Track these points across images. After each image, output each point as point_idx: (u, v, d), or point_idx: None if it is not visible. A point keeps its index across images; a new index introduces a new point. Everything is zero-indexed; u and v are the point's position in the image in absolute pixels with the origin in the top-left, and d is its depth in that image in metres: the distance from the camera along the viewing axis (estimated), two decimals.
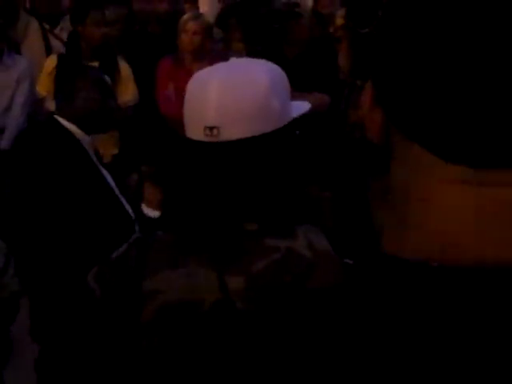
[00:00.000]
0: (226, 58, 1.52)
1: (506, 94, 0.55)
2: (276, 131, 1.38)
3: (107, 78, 3.14)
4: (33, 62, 4.61)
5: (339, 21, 5.01)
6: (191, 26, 4.53)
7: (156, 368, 1.37)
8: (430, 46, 0.57)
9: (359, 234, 3.96)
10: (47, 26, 5.03)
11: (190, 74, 1.57)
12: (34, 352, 2.91)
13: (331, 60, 4.23)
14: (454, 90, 0.56)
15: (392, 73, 0.60)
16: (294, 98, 1.45)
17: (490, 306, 0.56)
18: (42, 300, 2.89)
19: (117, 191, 3.01)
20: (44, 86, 4.40)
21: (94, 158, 2.98)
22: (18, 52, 4.83)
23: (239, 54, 3.98)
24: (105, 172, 3.00)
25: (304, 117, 1.46)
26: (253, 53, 4.19)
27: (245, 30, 4.59)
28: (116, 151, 4.22)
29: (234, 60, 1.48)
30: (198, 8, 6.20)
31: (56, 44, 4.93)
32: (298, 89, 4.06)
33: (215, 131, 1.36)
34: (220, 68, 1.43)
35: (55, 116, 2.96)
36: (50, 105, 3.82)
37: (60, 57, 4.47)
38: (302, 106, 1.50)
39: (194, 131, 1.39)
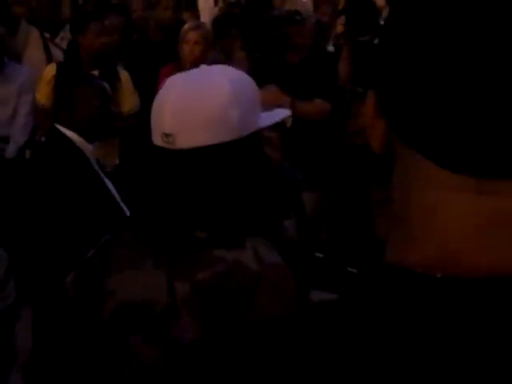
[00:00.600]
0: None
1: (507, 104, 0.55)
2: (235, 141, 1.37)
3: (107, 86, 3.14)
4: (34, 70, 4.62)
5: (339, 28, 5.02)
6: (192, 36, 4.52)
7: (108, 366, 1.40)
8: (433, 55, 0.57)
9: (361, 242, 3.96)
10: (48, 35, 5.03)
11: None
12: None
13: (331, 67, 4.23)
14: (456, 100, 0.56)
15: (394, 82, 0.60)
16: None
17: (494, 317, 0.56)
18: (44, 307, 2.89)
19: (118, 199, 3.02)
20: (43, 95, 4.39)
21: (96, 167, 2.98)
22: (19, 61, 4.83)
23: (241, 63, 3.97)
24: (107, 180, 3.01)
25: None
26: (254, 61, 4.19)
27: (245, 39, 4.59)
28: (117, 161, 4.22)
29: (202, 67, 1.47)
30: (198, 17, 6.20)
31: (57, 53, 4.94)
32: (298, 95, 4.08)
33: (171, 138, 1.37)
34: (184, 76, 1.44)
35: (56, 125, 2.97)
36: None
37: (59, 65, 4.47)
38: (276, 115, 1.49)
39: (155, 137, 1.41)
